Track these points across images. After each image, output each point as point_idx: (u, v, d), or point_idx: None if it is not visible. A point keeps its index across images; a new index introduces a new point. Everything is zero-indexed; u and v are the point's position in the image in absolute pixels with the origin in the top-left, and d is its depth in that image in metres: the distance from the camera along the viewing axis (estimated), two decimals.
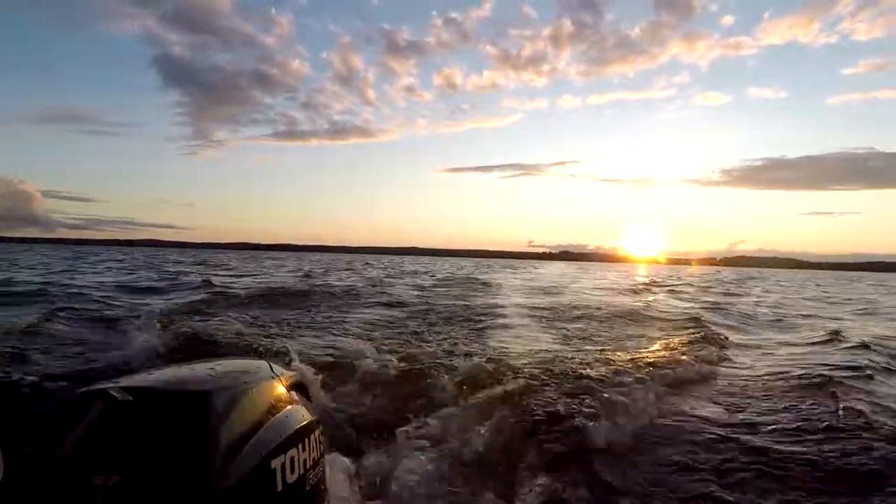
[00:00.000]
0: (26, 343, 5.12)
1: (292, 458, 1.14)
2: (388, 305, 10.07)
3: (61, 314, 6.81)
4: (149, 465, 0.95)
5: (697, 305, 12.64)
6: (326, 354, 5.04)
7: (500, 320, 8.59)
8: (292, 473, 1.13)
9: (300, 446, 1.18)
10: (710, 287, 22.13)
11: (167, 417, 0.99)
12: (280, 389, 1.25)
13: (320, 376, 3.81)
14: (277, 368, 1.32)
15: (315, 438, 1.26)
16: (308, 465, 1.20)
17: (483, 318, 8.83)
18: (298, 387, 1.34)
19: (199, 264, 27.79)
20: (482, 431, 3.06)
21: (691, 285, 23.10)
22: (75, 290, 10.42)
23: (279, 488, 1.09)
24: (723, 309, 11.61)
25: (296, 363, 4.11)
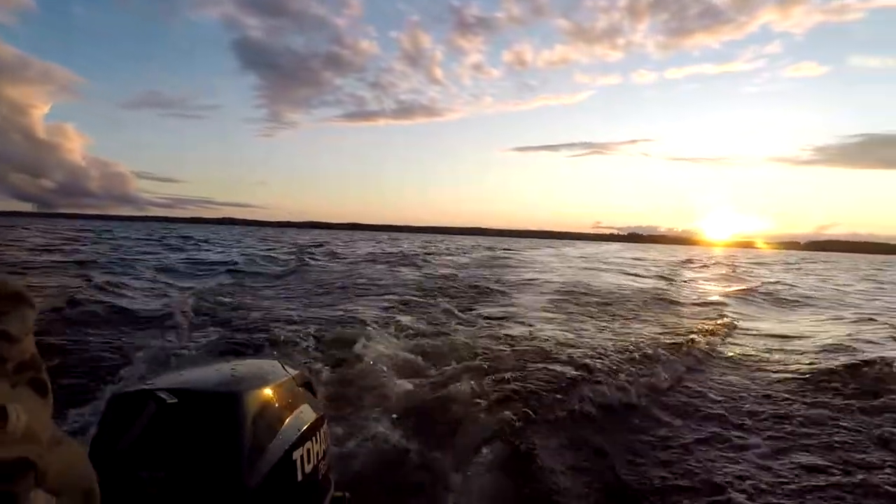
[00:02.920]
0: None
1: (308, 451, 1.29)
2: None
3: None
4: (190, 460, 1.09)
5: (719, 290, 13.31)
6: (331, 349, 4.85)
7: (507, 298, 9.25)
8: (309, 464, 1.29)
9: (314, 439, 1.34)
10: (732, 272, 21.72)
11: (206, 417, 1.13)
12: (294, 387, 1.40)
13: (323, 371, 4.04)
14: (288, 368, 1.46)
15: (324, 431, 1.42)
16: (320, 457, 1.36)
17: (491, 294, 9.74)
18: (306, 384, 1.48)
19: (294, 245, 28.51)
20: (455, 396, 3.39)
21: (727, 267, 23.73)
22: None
23: (300, 478, 1.23)
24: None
25: (301, 362, 4.17)
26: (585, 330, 6.58)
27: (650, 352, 5.02)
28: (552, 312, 7.94)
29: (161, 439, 1.10)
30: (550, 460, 2.83)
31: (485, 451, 2.84)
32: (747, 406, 3.91)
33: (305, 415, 1.35)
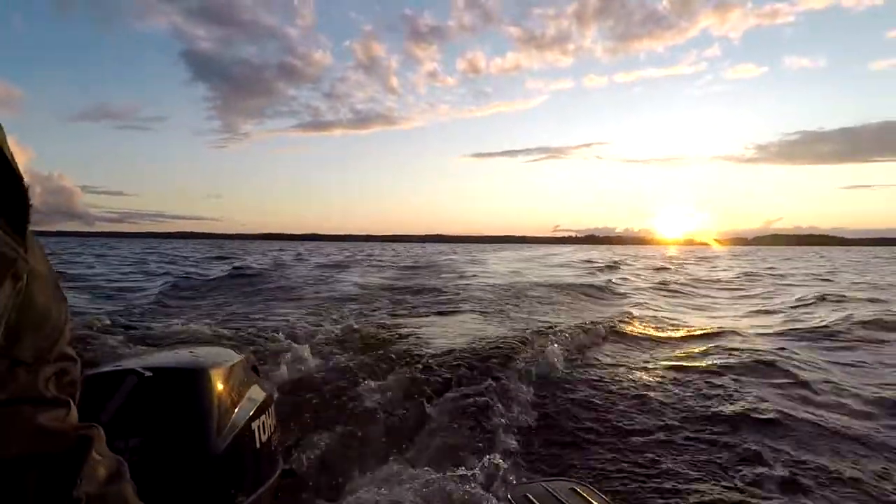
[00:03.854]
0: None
1: (263, 422, 1.48)
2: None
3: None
4: (166, 429, 1.24)
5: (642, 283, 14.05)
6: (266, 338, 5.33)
7: (441, 301, 9.20)
8: (264, 434, 1.48)
9: (267, 413, 1.53)
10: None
11: (178, 390, 1.30)
12: (247, 367, 1.59)
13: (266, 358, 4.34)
14: (235, 352, 1.63)
15: (272, 409, 1.61)
16: (272, 430, 1.56)
17: (428, 298, 9.58)
18: (254, 367, 1.68)
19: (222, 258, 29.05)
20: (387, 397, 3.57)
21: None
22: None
23: (258, 445, 1.42)
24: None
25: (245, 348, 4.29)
26: (496, 322, 7.03)
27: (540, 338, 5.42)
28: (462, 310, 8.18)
29: (140, 411, 1.23)
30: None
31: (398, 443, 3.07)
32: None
33: (257, 393, 1.54)
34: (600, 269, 19.41)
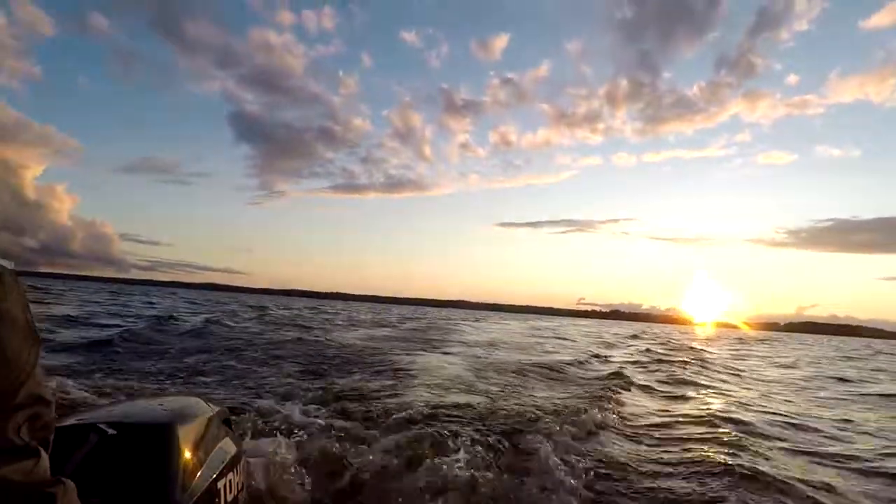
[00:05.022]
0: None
1: (230, 481, 1.39)
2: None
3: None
4: (127, 488, 1.15)
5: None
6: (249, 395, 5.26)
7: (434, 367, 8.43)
8: (230, 493, 1.38)
9: (235, 471, 1.43)
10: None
11: (142, 447, 1.21)
12: (217, 422, 1.49)
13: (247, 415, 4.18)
14: (211, 404, 1.55)
15: (243, 465, 1.52)
16: (240, 488, 1.46)
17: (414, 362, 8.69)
18: (226, 420, 1.58)
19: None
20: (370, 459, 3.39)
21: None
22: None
23: None
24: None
25: (219, 401, 4.21)
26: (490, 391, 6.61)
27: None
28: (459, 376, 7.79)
29: (101, 468, 1.17)
30: None
31: None
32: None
33: (227, 448, 1.47)
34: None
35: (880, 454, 5.03)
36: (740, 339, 44.77)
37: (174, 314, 16.25)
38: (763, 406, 7.37)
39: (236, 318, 18.04)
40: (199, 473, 1.28)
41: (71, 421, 1.28)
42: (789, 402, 8.28)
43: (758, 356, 20.26)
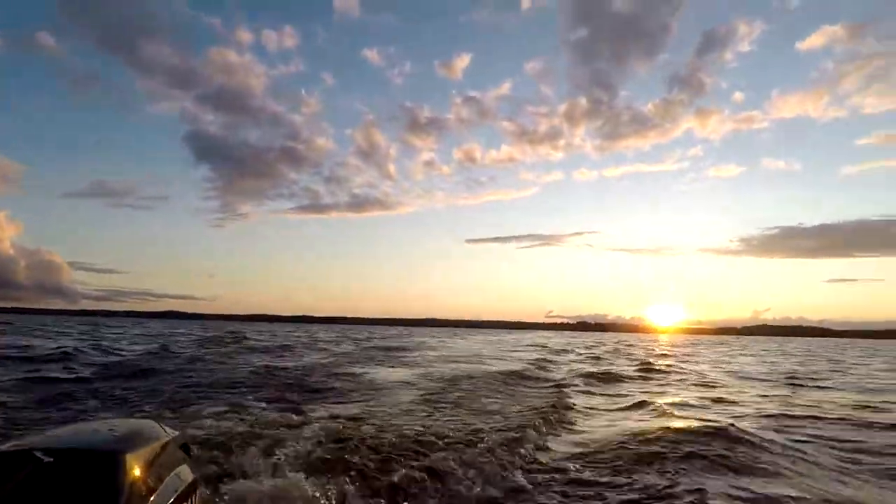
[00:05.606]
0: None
1: None
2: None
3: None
4: None
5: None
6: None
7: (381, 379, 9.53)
8: None
9: (190, 500, 1.34)
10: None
11: (84, 477, 1.10)
12: (173, 448, 1.40)
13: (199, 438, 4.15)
14: (167, 429, 1.46)
15: (198, 495, 1.41)
16: None
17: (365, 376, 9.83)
18: (183, 446, 1.49)
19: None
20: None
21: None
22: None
23: None
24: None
25: (179, 424, 4.31)
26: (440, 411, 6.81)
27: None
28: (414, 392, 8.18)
29: (37, 500, 1.06)
30: None
31: None
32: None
33: (182, 476, 1.34)
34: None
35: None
36: (696, 343, 49.96)
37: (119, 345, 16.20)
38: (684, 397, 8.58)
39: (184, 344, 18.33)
40: (150, 501, 1.17)
41: (4, 447, 1.19)
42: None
43: (704, 358, 22.49)
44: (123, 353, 14.20)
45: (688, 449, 4.79)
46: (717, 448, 4.89)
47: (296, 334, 36.17)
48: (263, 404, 6.95)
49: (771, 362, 19.52)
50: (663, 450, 4.79)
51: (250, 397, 7.48)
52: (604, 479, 4.07)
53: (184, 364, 11.50)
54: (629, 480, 4.06)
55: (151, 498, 1.17)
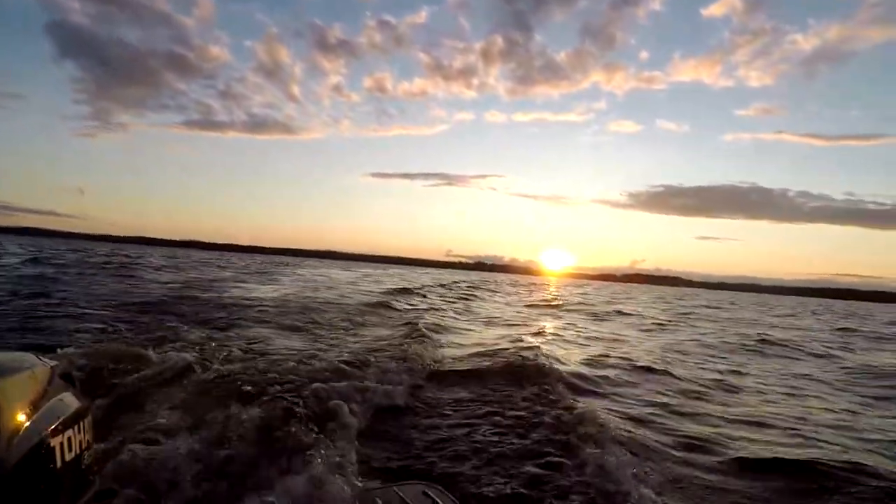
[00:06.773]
0: None
1: (69, 439, 1.27)
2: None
3: None
4: None
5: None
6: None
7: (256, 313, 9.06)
8: (70, 452, 1.26)
9: (76, 428, 1.32)
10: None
11: None
12: (52, 377, 1.37)
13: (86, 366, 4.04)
14: (45, 359, 1.42)
15: (88, 422, 1.40)
16: (83, 446, 1.34)
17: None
18: (65, 375, 1.45)
19: None
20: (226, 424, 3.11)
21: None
22: None
23: (58, 465, 1.22)
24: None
25: (61, 352, 4.41)
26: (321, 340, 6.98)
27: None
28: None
29: None
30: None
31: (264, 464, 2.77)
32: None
33: (65, 404, 1.34)
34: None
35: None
36: (575, 285, 56.20)
37: None
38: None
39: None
40: (21, 431, 1.16)
41: None
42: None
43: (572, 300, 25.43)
44: None
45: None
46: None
47: (176, 258, 34.59)
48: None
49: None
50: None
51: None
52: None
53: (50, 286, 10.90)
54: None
55: (26, 424, 1.17)
